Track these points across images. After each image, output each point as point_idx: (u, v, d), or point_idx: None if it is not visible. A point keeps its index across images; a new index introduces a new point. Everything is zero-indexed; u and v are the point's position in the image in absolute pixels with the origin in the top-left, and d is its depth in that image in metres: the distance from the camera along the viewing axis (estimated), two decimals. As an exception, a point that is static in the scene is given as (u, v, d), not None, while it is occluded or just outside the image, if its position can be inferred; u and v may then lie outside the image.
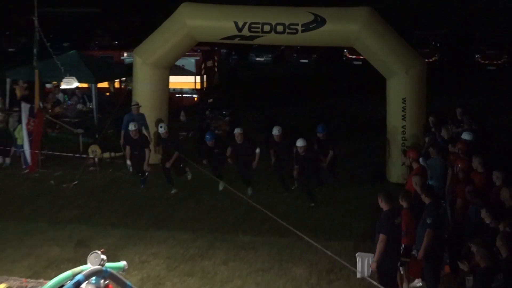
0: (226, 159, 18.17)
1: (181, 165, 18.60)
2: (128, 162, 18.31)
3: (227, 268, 13.12)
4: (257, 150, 17.72)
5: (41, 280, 11.66)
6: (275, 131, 17.84)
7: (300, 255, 13.67)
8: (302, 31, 18.37)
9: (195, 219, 15.84)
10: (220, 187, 17.78)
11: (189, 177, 18.85)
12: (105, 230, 14.97)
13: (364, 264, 12.22)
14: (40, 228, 14.83)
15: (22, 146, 20.07)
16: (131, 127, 17.70)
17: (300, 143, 16.68)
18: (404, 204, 11.38)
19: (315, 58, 51.34)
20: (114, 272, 10.76)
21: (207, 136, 18.32)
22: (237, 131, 17.75)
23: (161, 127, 17.97)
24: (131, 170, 18.79)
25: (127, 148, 18.19)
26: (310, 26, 18.22)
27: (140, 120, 19.24)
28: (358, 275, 12.22)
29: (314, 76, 42.50)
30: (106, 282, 10.40)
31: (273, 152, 17.98)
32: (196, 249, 14.04)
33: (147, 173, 18.19)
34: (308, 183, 17.12)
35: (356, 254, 12.43)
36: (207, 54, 31.65)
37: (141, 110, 19.72)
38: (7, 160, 20.38)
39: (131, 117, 19.31)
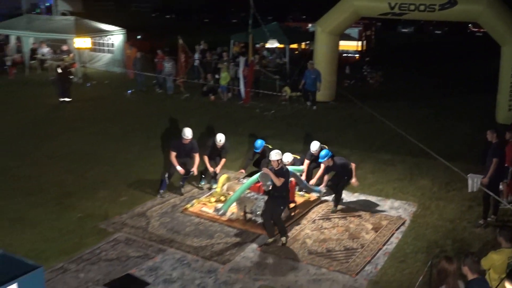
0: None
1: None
2: (178, 167, 11.38)
3: (373, 176, 12.98)
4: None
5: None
6: (313, 148, 11.48)
7: (426, 170, 13.26)
8: (439, 9, 17.60)
9: (352, 141, 15.71)
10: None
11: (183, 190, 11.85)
12: (292, 144, 15.20)
13: (474, 182, 11.69)
14: (248, 141, 15.31)
15: (225, 87, 20.80)
16: (187, 134, 11.35)
17: (273, 156, 9.54)
18: (509, 138, 10.86)
19: (446, 30, 49.38)
20: (295, 172, 11.04)
21: (256, 145, 11.96)
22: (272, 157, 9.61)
23: (220, 140, 11.67)
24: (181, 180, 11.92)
25: (172, 154, 11.44)
26: (445, 6, 17.39)
27: (313, 74, 19.14)
28: (469, 190, 11.77)
29: (445, 44, 40.50)
30: (291, 179, 10.67)
31: (308, 163, 11.83)
32: (351, 161, 13.89)
33: (191, 173, 11.71)
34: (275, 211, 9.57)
35: (468, 175, 11.94)
36: (367, 25, 31.74)
37: (319, 65, 19.67)
38: (229, 95, 21.07)
39: (308, 72, 19.27)
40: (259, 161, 11.99)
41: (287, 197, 9.92)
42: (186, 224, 10.31)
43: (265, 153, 11.61)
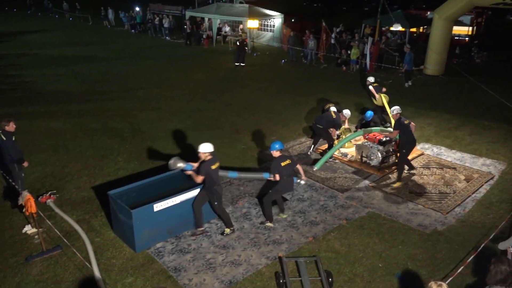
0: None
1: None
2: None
3: (470, 137, 11.77)
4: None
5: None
6: (346, 112, 10.80)
7: (518, 137, 11.77)
8: (548, 0, 14.80)
9: (455, 107, 14.29)
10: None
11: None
12: (405, 107, 14.14)
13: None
14: (369, 102, 14.63)
15: (354, 60, 19.72)
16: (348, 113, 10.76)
17: None
18: None
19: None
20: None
21: (367, 115, 11.25)
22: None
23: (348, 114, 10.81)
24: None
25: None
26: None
27: (407, 57, 17.06)
28: None
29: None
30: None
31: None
32: (452, 124, 12.79)
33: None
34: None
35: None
36: (478, 13, 27.93)
37: (433, 45, 18.00)
38: (357, 66, 20.13)
39: (409, 54, 17.19)
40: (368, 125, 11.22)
41: (211, 189, 7.03)
42: (316, 161, 10.30)
43: (374, 119, 11.37)
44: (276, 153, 7.43)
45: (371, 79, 12.73)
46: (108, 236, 7.28)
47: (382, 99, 11.76)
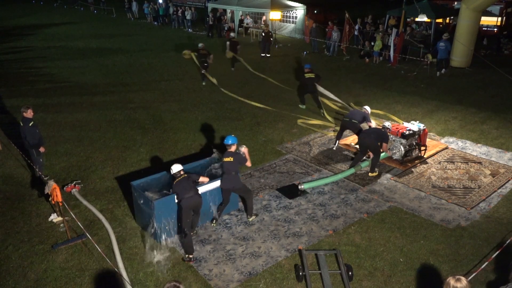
0: None
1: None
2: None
3: (497, 131, 11.40)
4: None
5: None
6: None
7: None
8: None
9: (481, 100, 13.89)
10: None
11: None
12: (427, 100, 13.95)
13: None
14: (393, 95, 14.43)
15: (377, 52, 19.27)
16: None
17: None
18: None
19: None
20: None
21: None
22: None
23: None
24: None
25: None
26: None
27: (447, 45, 16.68)
28: None
29: None
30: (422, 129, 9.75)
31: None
32: (479, 118, 12.42)
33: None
34: None
35: None
36: (508, 3, 26.84)
37: (460, 36, 17.45)
38: (380, 58, 19.77)
39: (439, 41, 16.80)
40: None
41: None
42: (337, 153, 10.22)
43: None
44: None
45: (232, 34, 16.43)
46: (131, 225, 7.41)
47: (229, 54, 16.29)
